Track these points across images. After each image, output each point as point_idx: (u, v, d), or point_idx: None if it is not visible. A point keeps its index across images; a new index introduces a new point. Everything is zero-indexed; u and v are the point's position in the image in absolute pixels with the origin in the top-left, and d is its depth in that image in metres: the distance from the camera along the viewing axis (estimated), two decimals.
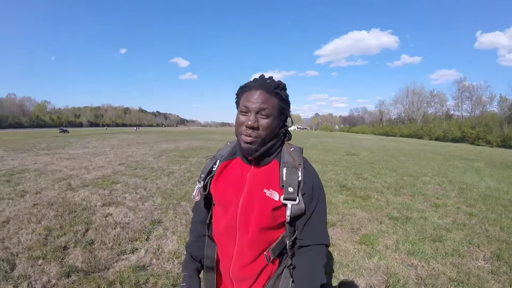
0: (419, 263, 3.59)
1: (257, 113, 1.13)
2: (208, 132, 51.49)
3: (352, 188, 7.38)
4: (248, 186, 1.21)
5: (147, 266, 3.35)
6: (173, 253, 3.65)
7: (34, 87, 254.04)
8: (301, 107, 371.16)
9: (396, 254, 3.81)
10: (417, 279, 3.24)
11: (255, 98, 1.14)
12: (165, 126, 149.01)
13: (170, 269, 3.29)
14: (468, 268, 3.49)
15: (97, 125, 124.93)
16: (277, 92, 1.17)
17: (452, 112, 79.57)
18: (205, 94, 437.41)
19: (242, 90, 1.22)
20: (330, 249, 3.85)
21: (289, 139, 1.32)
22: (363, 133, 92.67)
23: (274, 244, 1.21)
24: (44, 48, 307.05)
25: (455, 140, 54.34)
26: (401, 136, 71.51)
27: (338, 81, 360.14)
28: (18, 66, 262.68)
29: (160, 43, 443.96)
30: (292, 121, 1.34)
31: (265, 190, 1.17)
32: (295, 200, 1.13)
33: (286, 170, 1.18)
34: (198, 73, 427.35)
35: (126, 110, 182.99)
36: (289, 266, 1.23)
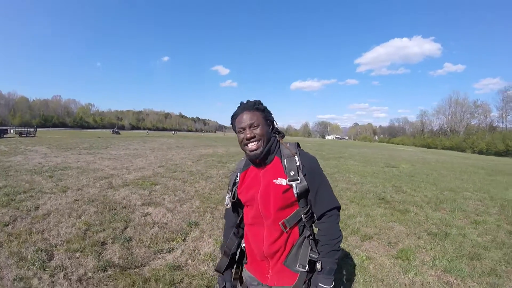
0: (455, 281, 3.46)
1: (249, 127, 1.52)
2: None
3: (391, 201, 7.19)
4: (262, 181, 1.57)
5: (183, 266, 3.44)
6: (208, 255, 3.72)
7: (79, 91, 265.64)
8: (340, 116, 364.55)
9: (433, 270, 3.69)
10: None
11: (244, 118, 1.54)
12: (203, 132, 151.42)
13: (205, 270, 3.36)
14: None
15: (138, 128, 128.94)
16: (256, 108, 1.56)
17: (496, 123, 75.52)
18: (244, 101, 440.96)
19: (233, 118, 1.62)
20: (366, 262, 3.80)
21: (283, 137, 1.68)
22: (403, 144, 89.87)
23: (288, 217, 1.53)
24: (91, 54, 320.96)
25: (498, 153, 51.65)
26: (442, 148, 68.86)
27: (379, 90, 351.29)
28: (65, 69, 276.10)
29: (202, 52, 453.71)
30: (276, 123, 1.67)
31: (274, 180, 1.52)
32: (297, 180, 1.48)
33: (286, 160, 1.55)
34: (238, 80, 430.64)
35: (167, 115, 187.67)
36: (308, 236, 1.57)
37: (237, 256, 1.80)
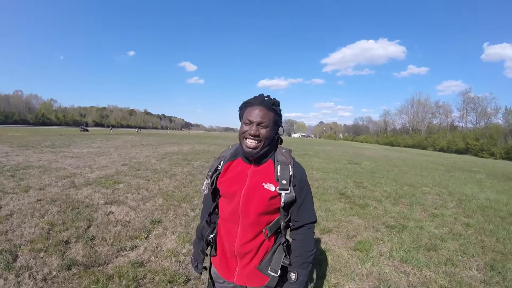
0: (411, 270, 3.65)
1: (258, 124, 1.46)
2: (212, 136, 51.61)
3: (351, 196, 7.45)
4: (249, 180, 1.53)
5: (146, 263, 3.45)
6: (171, 251, 3.75)
7: (41, 85, 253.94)
8: (306, 115, 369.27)
9: (390, 261, 3.88)
10: (408, 286, 3.31)
11: (256, 113, 1.47)
12: (169, 129, 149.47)
13: (168, 266, 3.39)
14: (460, 277, 3.56)
15: (102, 125, 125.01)
16: (273, 108, 1.51)
17: (456, 123, 79.23)
18: (211, 99, 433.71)
19: (246, 105, 1.55)
20: (324, 254, 3.95)
21: (281, 143, 1.67)
22: (367, 142, 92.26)
23: (271, 224, 1.53)
24: (53, 47, 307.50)
25: (459, 151, 54.14)
26: (405, 146, 71.26)
27: (344, 90, 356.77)
28: (26, 63, 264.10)
29: (169, 47, 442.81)
30: (283, 130, 1.68)
31: (263, 184, 1.50)
32: (287, 190, 1.46)
33: (280, 167, 1.51)
34: (205, 77, 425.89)
35: (132, 112, 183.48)
36: (283, 243, 1.57)
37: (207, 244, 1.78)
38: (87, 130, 49.86)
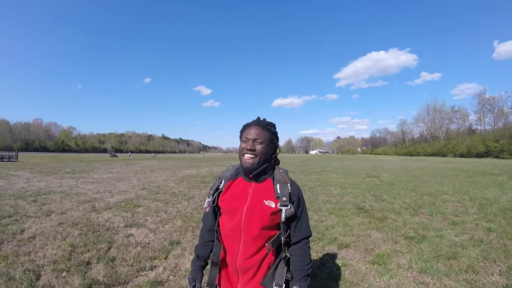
0: (431, 280, 3.59)
1: (254, 140, 1.60)
2: (229, 158, 51.89)
3: (370, 210, 7.35)
4: (250, 197, 1.62)
5: (165, 282, 3.53)
6: (189, 270, 3.79)
7: (60, 113, 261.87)
8: (323, 131, 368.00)
9: (408, 272, 3.82)
10: None
11: (252, 132, 1.62)
12: (187, 153, 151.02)
13: (186, 285, 3.44)
14: (482, 283, 3.48)
15: (121, 151, 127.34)
16: (268, 128, 1.66)
17: (474, 126, 77.77)
18: (227, 121, 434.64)
19: (244, 127, 1.69)
20: (342, 269, 3.92)
21: (278, 164, 1.79)
22: (386, 154, 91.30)
23: (273, 239, 1.61)
24: (71, 76, 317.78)
25: (479, 155, 52.95)
26: (424, 155, 70.17)
27: (359, 103, 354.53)
28: (45, 92, 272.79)
29: (183, 72, 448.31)
30: (279, 150, 1.79)
31: (264, 201, 1.59)
32: (287, 206, 1.55)
33: (279, 185, 1.62)
34: (220, 100, 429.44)
35: (150, 137, 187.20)
36: (284, 258, 1.67)
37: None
38: (117, 156, 55.34)
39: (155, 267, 3.94)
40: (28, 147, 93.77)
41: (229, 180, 1.73)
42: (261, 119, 1.71)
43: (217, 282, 1.75)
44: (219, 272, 1.74)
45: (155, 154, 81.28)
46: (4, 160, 31.47)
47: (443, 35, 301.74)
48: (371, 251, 4.59)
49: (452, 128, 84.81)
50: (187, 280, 3.55)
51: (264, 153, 1.61)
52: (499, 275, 3.69)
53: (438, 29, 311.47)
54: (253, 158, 1.59)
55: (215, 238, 1.76)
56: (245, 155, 1.60)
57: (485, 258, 4.17)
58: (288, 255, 1.71)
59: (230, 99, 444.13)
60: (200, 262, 1.83)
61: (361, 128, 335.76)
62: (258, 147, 1.59)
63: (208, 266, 1.80)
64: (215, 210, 1.78)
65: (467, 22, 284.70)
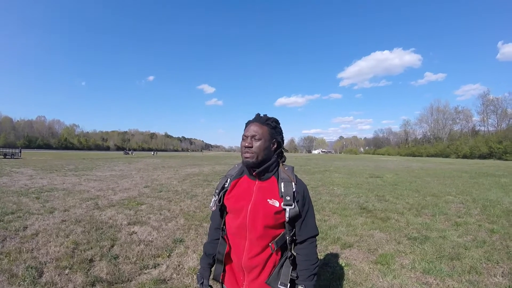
0: (434, 281, 3.59)
1: (252, 137, 1.58)
2: (231, 157, 51.95)
3: (373, 210, 7.36)
4: (255, 196, 1.61)
5: (168, 280, 3.53)
6: (192, 269, 3.81)
7: (64, 111, 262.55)
8: (325, 131, 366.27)
9: (412, 272, 3.82)
10: None
11: (251, 129, 1.60)
12: (190, 151, 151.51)
13: (189, 283, 3.45)
14: (484, 284, 3.49)
15: (123, 149, 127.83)
16: (267, 123, 1.62)
17: (478, 127, 77.54)
18: (230, 119, 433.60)
19: (246, 125, 1.66)
20: (345, 269, 3.92)
21: (284, 161, 1.74)
22: (388, 154, 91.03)
23: (277, 238, 1.60)
24: (74, 74, 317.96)
25: (482, 156, 52.76)
26: (427, 156, 70.01)
27: (362, 103, 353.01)
28: (49, 89, 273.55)
29: (187, 71, 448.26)
30: (282, 145, 1.73)
31: (268, 200, 1.57)
32: (291, 206, 1.54)
33: (283, 184, 1.59)
34: (223, 98, 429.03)
35: (152, 135, 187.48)
36: (290, 257, 1.65)
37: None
38: (129, 154, 59.72)
39: (158, 265, 3.94)
40: (31, 144, 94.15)
41: (234, 178, 1.72)
42: (261, 115, 1.67)
43: (222, 279, 1.76)
44: (224, 270, 1.74)
45: (155, 153, 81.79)
46: (7, 157, 31.44)
47: (448, 35, 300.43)
48: (374, 251, 4.59)
49: (455, 129, 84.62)
50: (190, 278, 3.56)
51: (263, 150, 1.58)
52: (502, 277, 3.69)
53: (442, 29, 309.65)
54: (251, 155, 1.56)
55: (220, 237, 1.76)
56: (244, 152, 1.59)
57: (488, 260, 4.17)
58: (294, 254, 1.69)
59: (234, 97, 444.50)
60: (208, 259, 1.83)
61: (364, 128, 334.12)
62: (256, 144, 1.57)
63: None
64: (222, 209, 1.77)
65: (472, 22, 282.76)
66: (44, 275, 3.50)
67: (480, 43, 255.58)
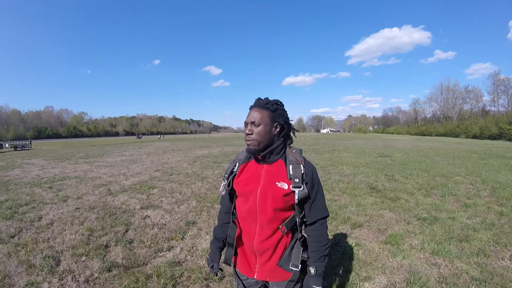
0: (443, 262, 3.63)
1: (252, 123, 1.58)
2: (240, 137, 51.94)
3: (382, 189, 7.37)
4: (263, 179, 1.62)
5: (182, 262, 3.64)
6: (206, 250, 3.92)
7: (71, 100, 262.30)
8: (334, 110, 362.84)
9: (421, 253, 3.86)
10: (439, 278, 3.29)
11: (251, 115, 1.60)
12: (198, 133, 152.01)
13: (203, 264, 3.55)
14: (492, 267, 3.49)
15: (132, 134, 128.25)
16: (267, 107, 1.59)
17: (488, 108, 75.47)
18: (237, 100, 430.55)
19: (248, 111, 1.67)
20: (355, 248, 3.99)
21: (291, 143, 1.73)
22: (398, 133, 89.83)
23: (287, 220, 1.62)
24: (79, 62, 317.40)
25: (492, 137, 51.72)
26: (437, 135, 68.93)
27: (371, 81, 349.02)
28: (55, 79, 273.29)
29: (192, 53, 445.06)
30: (287, 127, 1.67)
31: (276, 183, 1.58)
32: (300, 188, 1.55)
33: (292, 166, 1.60)
34: (230, 80, 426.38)
35: (161, 119, 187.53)
36: (300, 238, 1.67)
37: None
38: (141, 138, 64.27)
39: (172, 247, 4.06)
40: (40, 134, 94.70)
41: (243, 163, 1.74)
42: (260, 99, 1.64)
43: (234, 263, 1.80)
44: (236, 253, 1.77)
45: (162, 136, 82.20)
46: (18, 149, 31.73)
47: (458, 13, 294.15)
48: (384, 231, 4.65)
49: (465, 108, 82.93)
50: (204, 260, 3.66)
51: (263, 135, 1.57)
52: (510, 260, 3.69)
53: (452, 6, 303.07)
54: (253, 142, 1.57)
55: (231, 221, 1.78)
56: (246, 140, 1.60)
57: (497, 242, 4.17)
58: (304, 235, 1.71)
59: (241, 78, 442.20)
60: (218, 243, 1.88)
61: (373, 106, 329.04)
62: (256, 129, 1.56)
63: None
64: (231, 193, 1.78)
65: (483, 0, 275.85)
66: (61, 263, 3.62)
67: (490, 22, 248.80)
